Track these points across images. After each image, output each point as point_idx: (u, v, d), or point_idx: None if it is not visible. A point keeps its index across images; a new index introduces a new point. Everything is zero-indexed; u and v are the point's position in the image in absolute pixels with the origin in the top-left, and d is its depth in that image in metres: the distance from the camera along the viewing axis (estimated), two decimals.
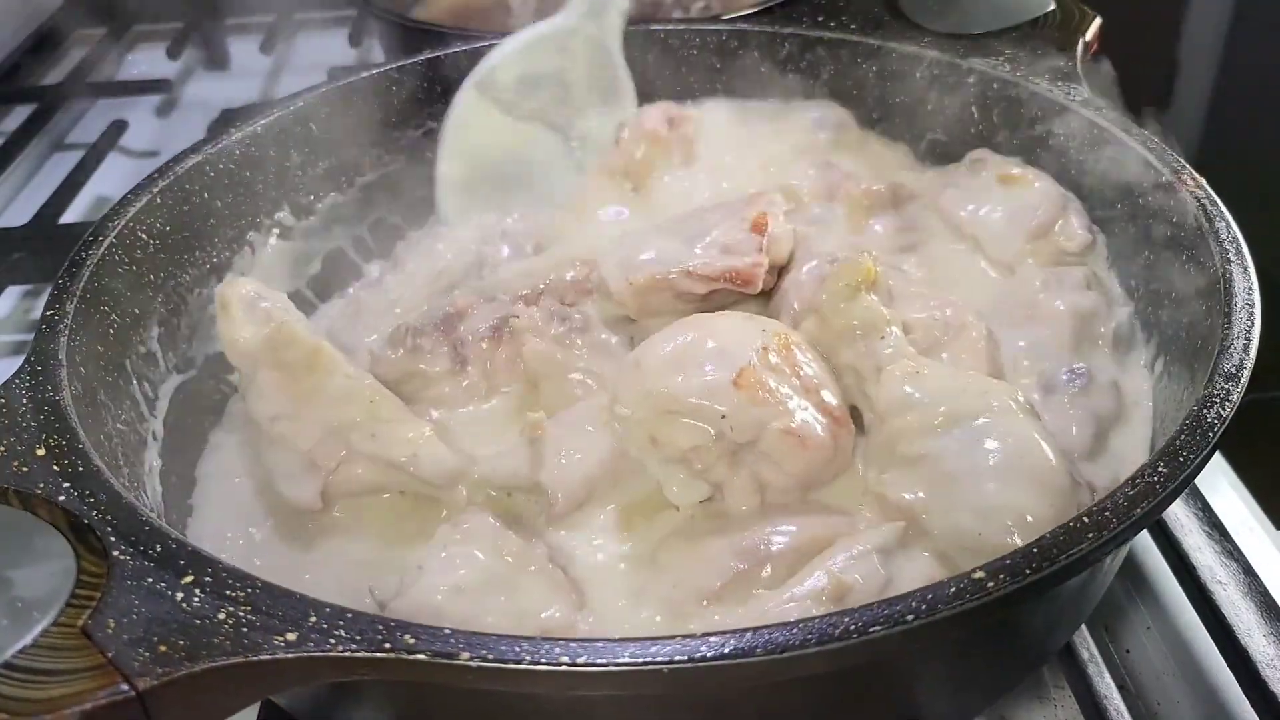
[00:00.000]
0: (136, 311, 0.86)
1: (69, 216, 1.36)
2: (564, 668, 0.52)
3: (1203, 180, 0.82)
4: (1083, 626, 0.81)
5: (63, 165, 1.48)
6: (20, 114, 1.58)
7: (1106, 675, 0.79)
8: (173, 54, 1.76)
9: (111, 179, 1.47)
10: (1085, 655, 0.80)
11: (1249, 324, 0.69)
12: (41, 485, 0.63)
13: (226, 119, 1.45)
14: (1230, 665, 0.78)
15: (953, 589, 0.54)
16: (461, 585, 0.65)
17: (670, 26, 1.12)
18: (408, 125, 1.11)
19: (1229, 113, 1.34)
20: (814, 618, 0.53)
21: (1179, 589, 0.85)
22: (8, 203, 1.46)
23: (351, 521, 0.78)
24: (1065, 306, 0.84)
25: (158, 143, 1.58)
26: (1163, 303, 0.83)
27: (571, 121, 1.12)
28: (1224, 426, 0.62)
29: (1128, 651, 0.85)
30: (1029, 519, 0.61)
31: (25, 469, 0.64)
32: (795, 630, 0.52)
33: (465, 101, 1.08)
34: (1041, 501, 0.63)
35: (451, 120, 1.08)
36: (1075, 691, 0.79)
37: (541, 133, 1.12)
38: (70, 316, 0.77)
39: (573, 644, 0.53)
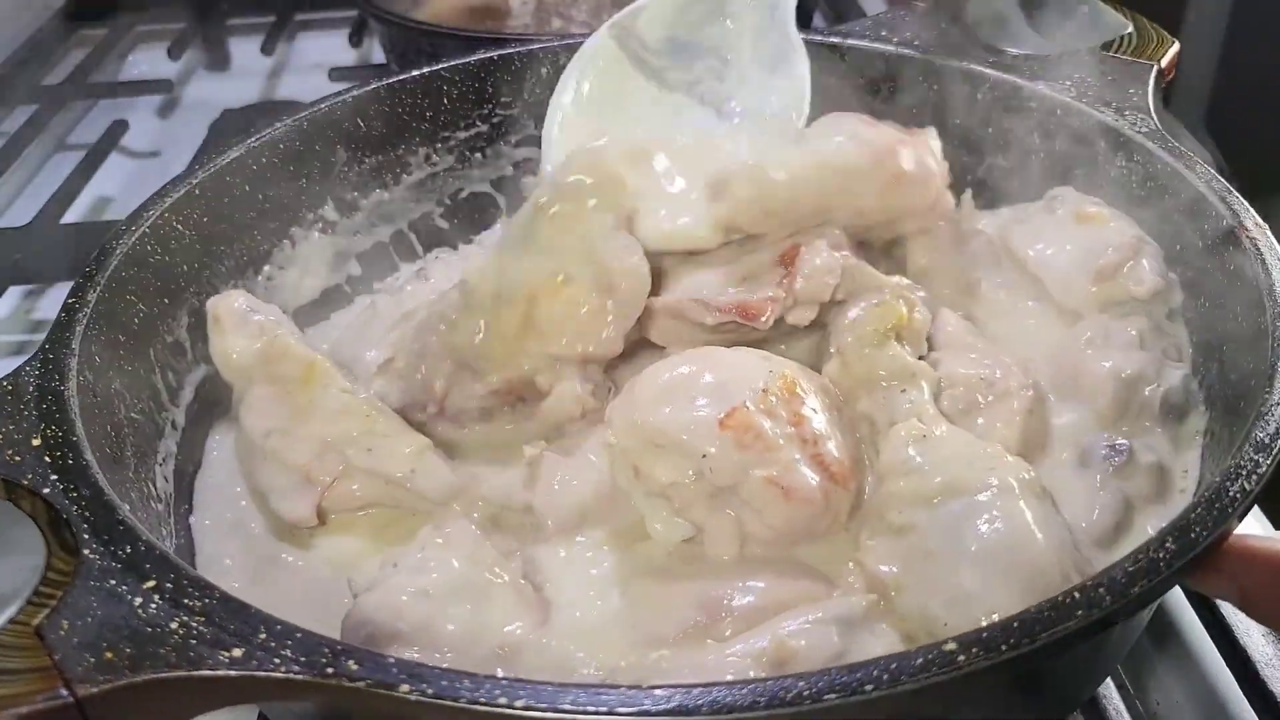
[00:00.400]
0: (166, 301, 0.87)
1: (70, 217, 1.37)
2: (501, 709, 0.50)
3: (1266, 227, 0.76)
4: None
5: (64, 165, 1.49)
6: (21, 114, 1.60)
7: None
8: (173, 54, 1.78)
9: (112, 179, 1.48)
10: None
11: None
12: (29, 476, 0.64)
13: (229, 118, 1.47)
14: (1229, 665, 0.76)
15: (919, 660, 0.51)
16: (429, 589, 0.64)
17: None
18: (457, 126, 1.10)
19: (1229, 113, 1.26)
20: (767, 679, 0.51)
21: (1177, 588, 0.81)
22: (9, 203, 1.49)
23: (348, 521, 0.78)
24: (1111, 367, 0.78)
25: (159, 143, 1.58)
26: (1213, 358, 0.77)
27: (730, 96, 0.96)
28: (1248, 502, 0.57)
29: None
30: (997, 619, 0.54)
31: (18, 458, 0.65)
32: (745, 691, 0.50)
33: (598, 49, 0.95)
34: (1018, 601, 0.57)
35: (575, 69, 0.96)
36: None
37: (691, 107, 0.97)
38: (91, 305, 0.78)
39: (515, 685, 0.51)
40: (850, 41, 1.07)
